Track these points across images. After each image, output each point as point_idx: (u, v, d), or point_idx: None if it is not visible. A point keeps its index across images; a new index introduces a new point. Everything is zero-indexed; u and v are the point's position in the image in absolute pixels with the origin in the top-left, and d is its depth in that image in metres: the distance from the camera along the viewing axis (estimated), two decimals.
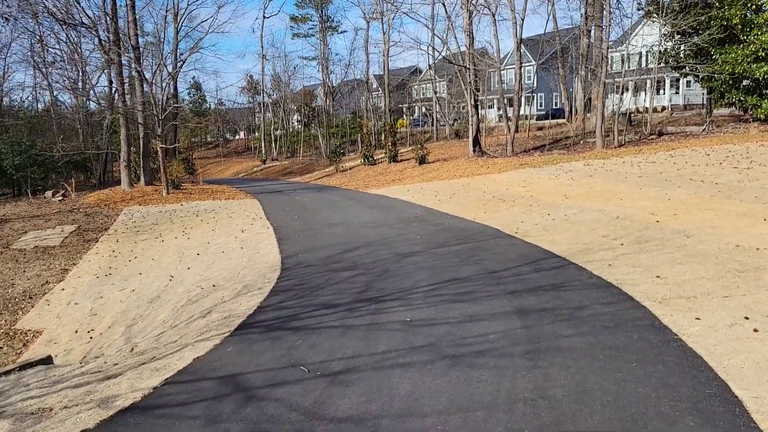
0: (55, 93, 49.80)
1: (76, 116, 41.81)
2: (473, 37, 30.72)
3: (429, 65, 55.63)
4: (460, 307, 7.82)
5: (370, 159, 38.09)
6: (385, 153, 38.02)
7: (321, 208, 21.09)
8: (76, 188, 39.72)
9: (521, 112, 53.12)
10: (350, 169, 38.72)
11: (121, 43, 29.70)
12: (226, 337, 7.07)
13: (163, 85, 71.99)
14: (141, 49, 29.80)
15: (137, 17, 31.70)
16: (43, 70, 47.48)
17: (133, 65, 28.90)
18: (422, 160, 32.86)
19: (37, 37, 41.94)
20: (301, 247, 13.21)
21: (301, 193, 28.24)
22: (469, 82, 30.41)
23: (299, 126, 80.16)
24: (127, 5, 29.64)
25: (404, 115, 73.81)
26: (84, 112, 43.49)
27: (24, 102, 51.84)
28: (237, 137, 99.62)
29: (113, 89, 31.20)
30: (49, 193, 30.48)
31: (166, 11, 34.90)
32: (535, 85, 63.23)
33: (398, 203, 20.88)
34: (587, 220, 13.67)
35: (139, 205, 25.22)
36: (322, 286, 9.43)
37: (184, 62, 77.07)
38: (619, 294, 7.99)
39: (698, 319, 6.81)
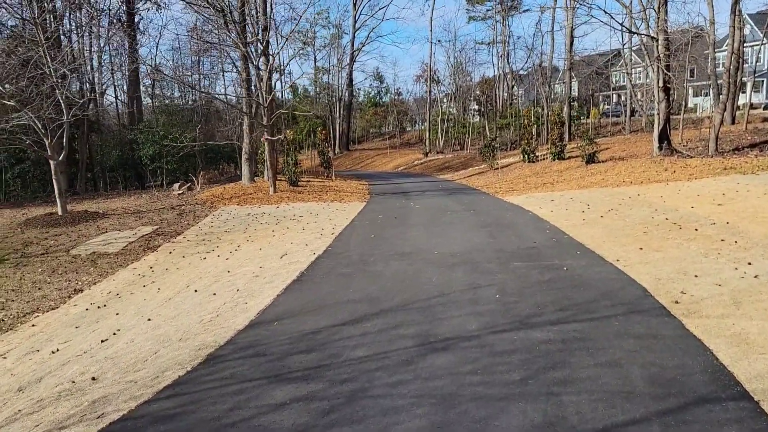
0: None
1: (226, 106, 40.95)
2: None
3: (622, 44, 46.76)
4: None
5: (530, 156, 31.66)
6: (548, 149, 31.33)
7: (419, 222, 15.95)
8: (225, 181, 38.91)
9: (744, 101, 42.23)
10: (505, 167, 32.66)
11: (248, 26, 27.08)
12: None
13: (340, 75, 71.13)
14: (269, 31, 26.86)
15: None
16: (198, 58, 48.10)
17: (253, 49, 26.08)
18: (590, 159, 25.90)
19: (191, 24, 41.78)
20: (302, 303, 8.43)
21: (426, 197, 23.25)
22: (656, 57, 22.79)
23: (477, 117, 74.62)
24: None
25: (598, 105, 64.64)
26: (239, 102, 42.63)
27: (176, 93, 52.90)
28: (417, 128, 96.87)
29: (243, 77, 28.74)
30: (176, 186, 29.18)
31: None
32: (765, 67, 50.57)
33: (525, 221, 15.03)
34: None
35: (238, 204, 22.25)
36: None
37: (360, 50, 76.22)
38: None
39: None
